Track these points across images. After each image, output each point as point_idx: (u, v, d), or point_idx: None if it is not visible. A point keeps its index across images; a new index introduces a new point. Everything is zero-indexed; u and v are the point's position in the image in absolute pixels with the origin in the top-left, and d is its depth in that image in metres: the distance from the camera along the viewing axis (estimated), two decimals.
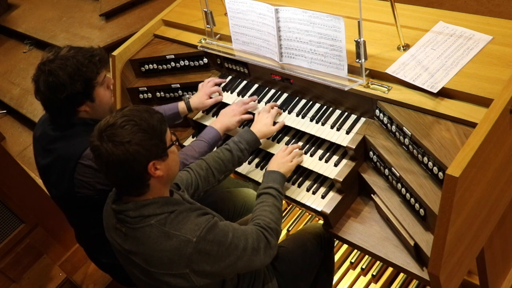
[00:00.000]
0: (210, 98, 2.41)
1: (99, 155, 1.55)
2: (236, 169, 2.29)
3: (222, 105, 2.47)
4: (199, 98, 2.40)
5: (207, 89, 2.42)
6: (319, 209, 2.01)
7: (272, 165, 2.04)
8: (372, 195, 2.01)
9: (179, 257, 1.57)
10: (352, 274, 2.74)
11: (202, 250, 1.58)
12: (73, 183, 1.97)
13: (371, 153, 2.00)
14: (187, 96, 2.44)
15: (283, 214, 3.13)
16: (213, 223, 1.62)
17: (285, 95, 2.33)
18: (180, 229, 1.58)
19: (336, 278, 2.72)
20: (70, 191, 2.00)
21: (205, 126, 2.45)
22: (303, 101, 2.26)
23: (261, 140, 2.15)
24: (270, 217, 1.83)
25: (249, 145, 2.09)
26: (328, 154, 2.10)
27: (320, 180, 2.11)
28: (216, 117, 2.41)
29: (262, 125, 2.15)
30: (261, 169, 2.25)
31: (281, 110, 2.26)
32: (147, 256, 1.60)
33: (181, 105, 2.40)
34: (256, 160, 2.29)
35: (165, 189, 1.68)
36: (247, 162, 2.29)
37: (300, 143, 2.19)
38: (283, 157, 2.06)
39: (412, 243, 1.78)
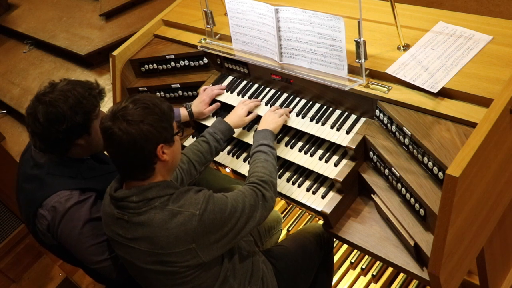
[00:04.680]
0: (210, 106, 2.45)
1: (111, 135, 1.59)
2: (236, 169, 2.29)
3: (223, 106, 2.47)
4: (198, 108, 2.43)
5: (206, 97, 2.44)
6: (319, 209, 2.01)
7: (261, 126, 2.13)
8: (372, 195, 2.01)
9: (185, 233, 1.62)
10: (352, 274, 2.75)
11: (206, 221, 1.63)
12: (35, 229, 1.98)
13: (371, 153, 2.00)
14: (189, 104, 2.44)
15: (283, 215, 3.13)
16: (210, 194, 1.70)
17: (285, 95, 2.33)
18: (183, 205, 1.64)
19: (336, 278, 2.72)
20: (34, 234, 2.02)
21: (204, 126, 2.45)
22: (303, 101, 2.26)
23: (235, 129, 2.24)
24: (263, 171, 1.89)
25: (223, 134, 2.18)
26: (328, 154, 2.10)
27: (320, 180, 2.11)
28: (216, 117, 2.42)
29: (236, 116, 2.25)
30: None
31: (259, 102, 2.34)
32: (153, 238, 1.64)
33: (183, 112, 2.42)
34: None
35: (168, 177, 1.74)
36: (246, 162, 2.29)
37: (300, 143, 2.19)
38: (270, 115, 2.16)
39: (412, 243, 1.78)
